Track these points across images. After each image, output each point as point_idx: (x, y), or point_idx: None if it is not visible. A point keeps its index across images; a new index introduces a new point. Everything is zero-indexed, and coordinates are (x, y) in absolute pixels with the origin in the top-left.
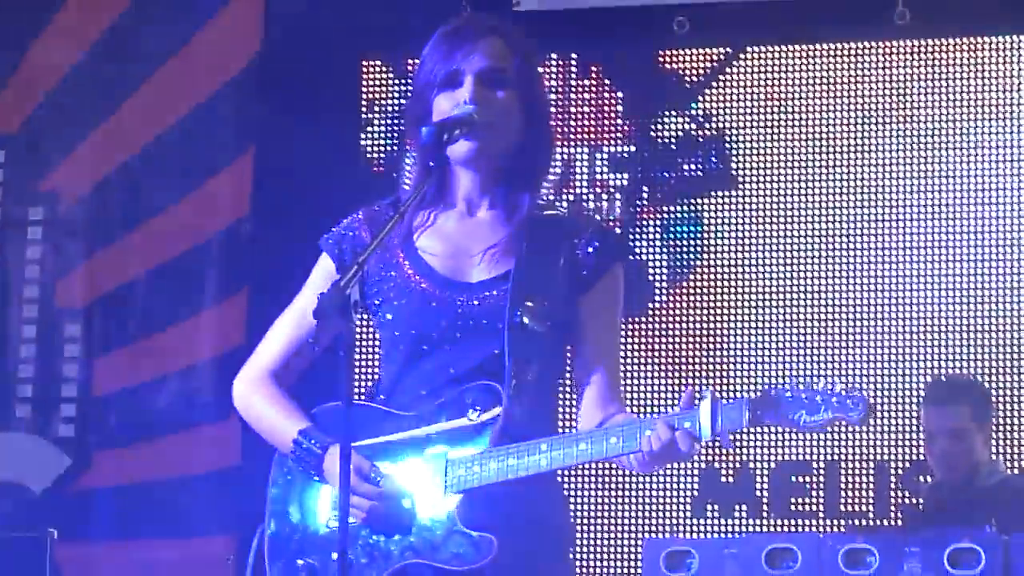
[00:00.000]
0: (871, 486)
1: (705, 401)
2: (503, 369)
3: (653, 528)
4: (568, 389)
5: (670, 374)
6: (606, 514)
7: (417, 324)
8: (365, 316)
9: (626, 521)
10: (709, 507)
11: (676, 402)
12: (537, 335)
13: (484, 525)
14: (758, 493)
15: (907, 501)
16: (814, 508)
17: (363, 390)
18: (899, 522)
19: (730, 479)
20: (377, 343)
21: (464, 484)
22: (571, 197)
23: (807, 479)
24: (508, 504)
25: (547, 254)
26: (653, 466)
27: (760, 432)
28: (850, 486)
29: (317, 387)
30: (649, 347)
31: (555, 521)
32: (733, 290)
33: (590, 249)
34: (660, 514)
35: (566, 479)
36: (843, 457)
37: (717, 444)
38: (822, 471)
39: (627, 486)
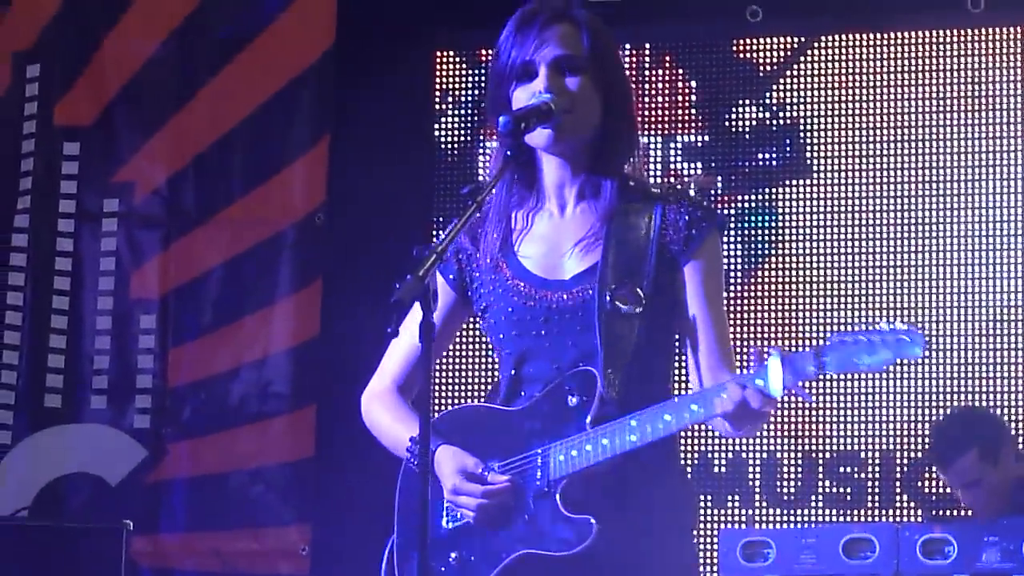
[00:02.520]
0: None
1: (773, 357)
2: (597, 355)
3: (725, 518)
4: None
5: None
6: None
7: (518, 326)
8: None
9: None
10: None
11: None
12: (631, 317)
13: (587, 509)
14: (830, 483)
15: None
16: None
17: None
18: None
19: (799, 470)
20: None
21: (564, 470)
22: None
23: (886, 470)
24: (612, 485)
25: (636, 232)
26: (740, 428)
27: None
28: (930, 477)
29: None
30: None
31: (665, 498)
32: (807, 280)
33: (681, 222)
34: (733, 504)
35: None
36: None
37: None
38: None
39: (702, 475)
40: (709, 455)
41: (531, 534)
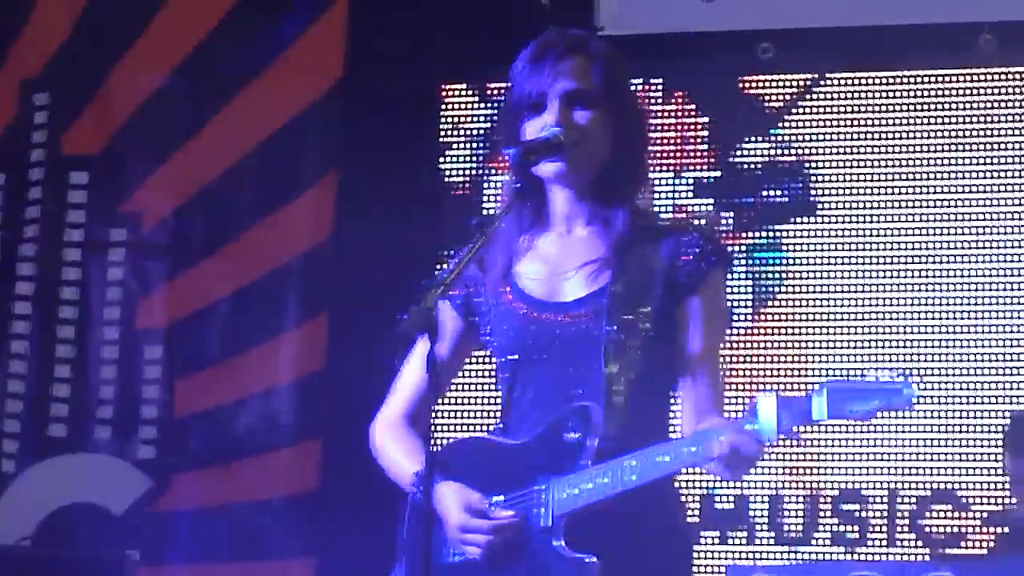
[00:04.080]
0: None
1: (768, 401)
2: (599, 387)
3: (729, 556)
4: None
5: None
6: None
7: (519, 349)
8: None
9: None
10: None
11: None
12: (635, 347)
13: (589, 547)
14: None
15: (991, 530)
16: (897, 536)
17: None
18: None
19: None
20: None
21: (566, 507)
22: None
23: (890, 507)
24: (614, 524)
25: (645, 262)
26: (733, 472)
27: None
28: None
29: None
30: (732, 372)
31: (664, 535)
32: (815, 316)
33: (691, 254)
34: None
35: None
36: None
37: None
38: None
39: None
40: (713, 492)
41: (534, 571)
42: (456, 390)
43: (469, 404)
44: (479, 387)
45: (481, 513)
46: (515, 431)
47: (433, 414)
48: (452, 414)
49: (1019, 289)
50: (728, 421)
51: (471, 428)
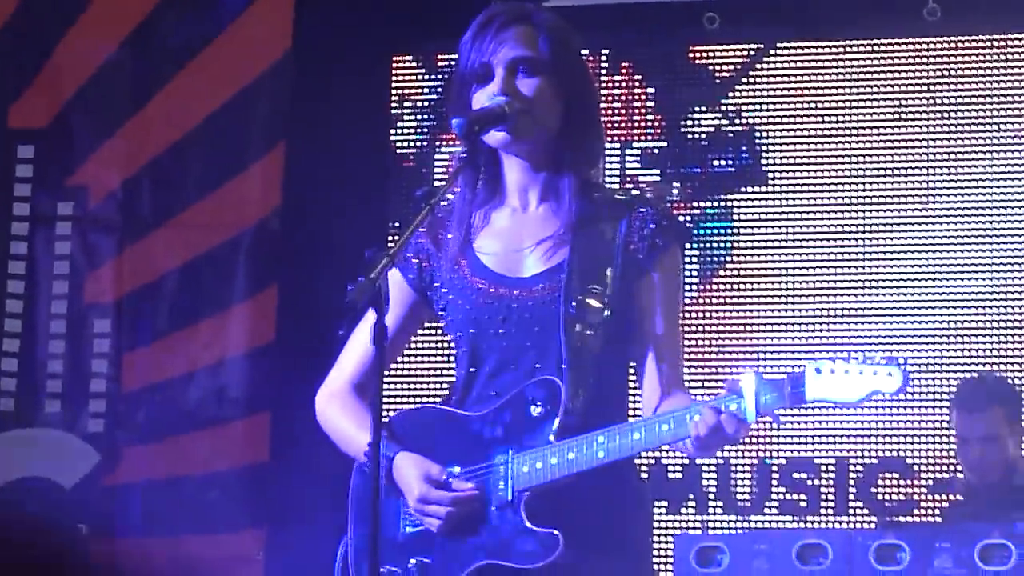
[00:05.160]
0: (904, 482)
1: (749, 382)
2: (563, 362)
3: (679, 524)
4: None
5: (701, 370)
6: None
7: (476, 323)
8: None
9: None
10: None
11: (708, 395)
12: (595, 324)
13: (551, 521)
14: (784, 489)
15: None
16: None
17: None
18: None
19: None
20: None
21: (529, 482)
22: None
23: (839, 476)
24: (575, 498)
25: (602, 239)
26: (706, 451)
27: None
28: (883, 483)
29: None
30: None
31: (626, 512)
32: (763, 286)
33: (647, 230)
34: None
35: None
36: (876, 454)
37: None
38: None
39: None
40: (664, 461)
41: (494, 544)
42: (404, 362)
43: (417, 376)
44: (427, 359)
45: (442, 484)
46: (472, 404)
47: (384, 385)
48: (400, 385)
49: (965, 258)
50: (708, 400)
51: (419, 400)
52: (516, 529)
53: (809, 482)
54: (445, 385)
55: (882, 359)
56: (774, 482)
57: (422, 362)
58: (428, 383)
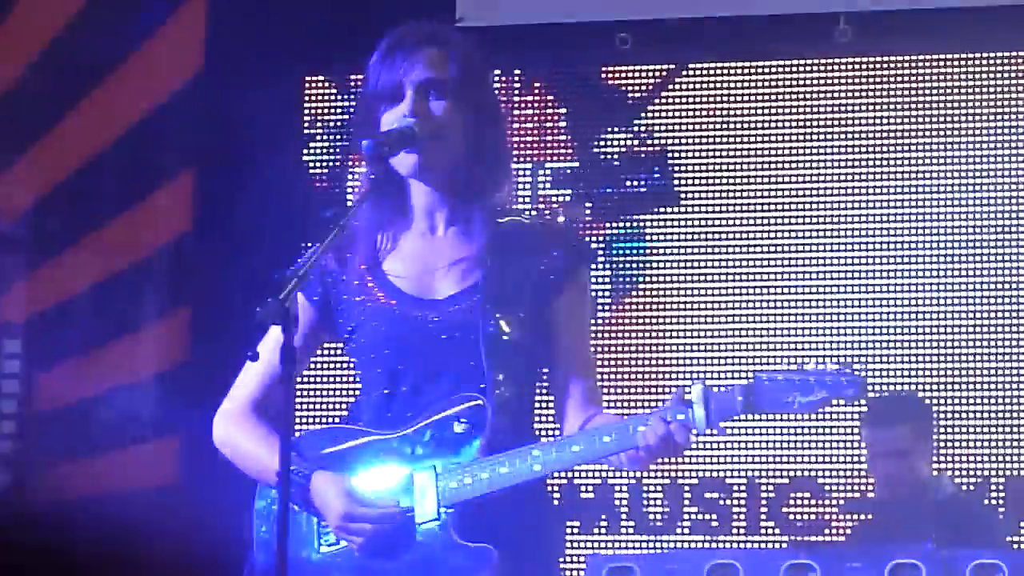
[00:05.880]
0: (814, 501)
1: (697, 392)
2: (483, 381)
3: (591, 544)
4: (544, 396)
5: (613, 390)
6: None
7: (392, 344)
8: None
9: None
10: (652, 521)
11: (623, 413)
12: (512, 344)
13: (480, 536)
14: (696, 510)
15: (850, 517)
16: (755, 524)
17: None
18: (842, 537)
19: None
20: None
21: (457, 497)
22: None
23: (749, 495)
24: (501, 513)
25: (515, 262)
26: (647, 462)
27: (703, 447)
28: (794, 502)
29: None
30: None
31: (546, 529)
32: (675, 307)
33: (555, 252)
34: (600, 530)
35: None
36: (786, 473)
37: None
38: (770, 487)
39: (570, 500)
40: (575, 481)
41: (420, 563)
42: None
43: (314, 396)
44: (323, 379)
45: (365, 502)
46: (388, 424)
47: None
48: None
49: (877, 276)
50: (655, 411)
51: (320, 421)
52: (445, 545)
53: (721, 502)
54: (340, 405)
55: (837, 368)
56: (686, 502)
57: (314, 382)
58: (325, 403)
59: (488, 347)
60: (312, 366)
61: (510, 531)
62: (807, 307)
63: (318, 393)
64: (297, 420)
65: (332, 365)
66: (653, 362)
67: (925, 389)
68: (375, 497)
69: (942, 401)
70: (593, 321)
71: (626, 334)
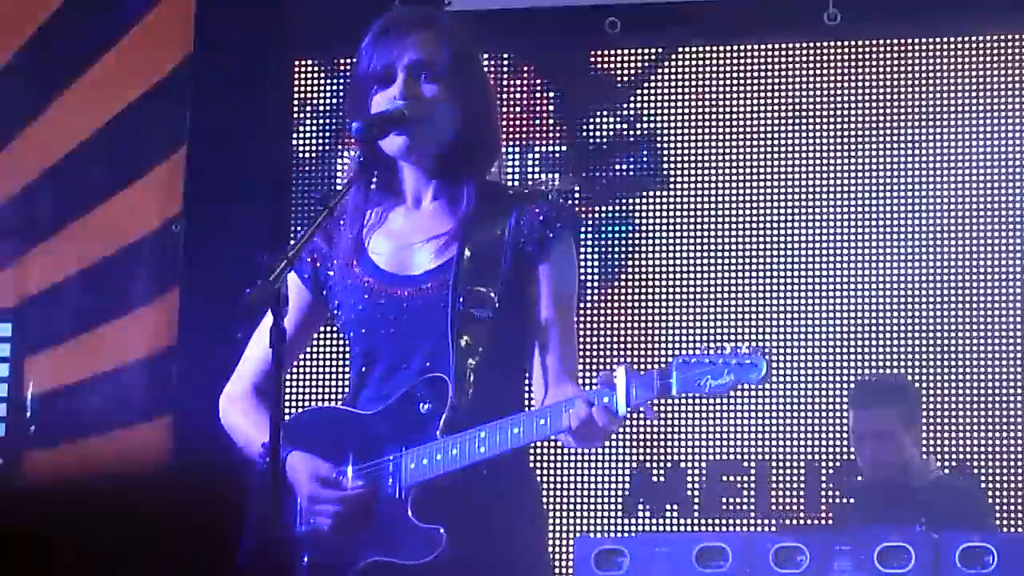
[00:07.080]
0: (803, 485)
1: (620, 375)
2: (448, 360)
3: (584, 527)
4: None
5: (601, 372)
6: None
7: (368, 323)
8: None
9: (556, 520)
10: (640, 506)
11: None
12: (484, 320)
13: (436, 518)
14: (689, 492)
15: (838, 500)
16: (746, 507)
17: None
18: (830, 521)
19: (661, 478)
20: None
21: (415, 478)
22: None
23: (739, 478)
24: (463, 495)
25: (492, 234)
26: (584, 443)
27: (692, 430)
28: (782, 485)
29: None
30: (582, 345)
31: (518, 510)
32: (664, 290)
33: (536, 222)
34: (591, 512)
35: None
36: (774, 456)
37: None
38: (753, 470)
39: (558, 484)
40: (565, 465)
41: (382, 541)
42: (306, 364)
43: (320, 378)
44: (329, 361)
45: (331, 483)
46: (366, 403)
47: (286, 387)
48: (304, 388)
49: (864, 257)
50: (580, 394)
51: (323, 401)
52: (403, 525)
53: (709, 484)
54: (344, 385)
55: (747, 350)
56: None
57: (321, 362)
58: (329, 383)
59: (457, 327)
60: (318, 346)
61: (469, 513)
62: (795, 287)
63: (322, 374)
64: (303, 401)
65: (338, 346)
66: (642, 345)
67: (915, 373)
68: (341, 477)
69: (932, 384)
70: (580, 298)
71: (615, 317)
